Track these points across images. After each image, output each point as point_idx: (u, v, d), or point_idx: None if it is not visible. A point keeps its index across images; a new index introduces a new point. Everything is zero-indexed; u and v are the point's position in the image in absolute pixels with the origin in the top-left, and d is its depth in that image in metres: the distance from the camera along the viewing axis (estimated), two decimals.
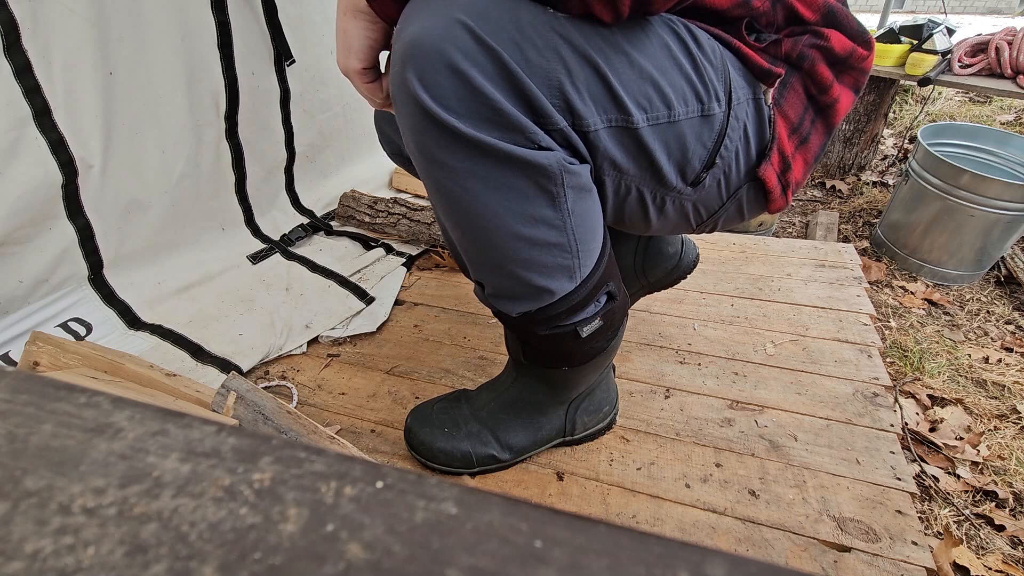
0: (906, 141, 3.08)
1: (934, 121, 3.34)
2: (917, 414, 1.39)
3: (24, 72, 0.86)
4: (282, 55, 1.27)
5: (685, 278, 1.00)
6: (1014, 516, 1.16)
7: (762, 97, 0.65)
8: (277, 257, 1.31)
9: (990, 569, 1.04)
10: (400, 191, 1.66)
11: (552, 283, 0.64)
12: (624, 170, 0.63)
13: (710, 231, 0.80)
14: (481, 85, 0.49)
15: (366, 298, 1.19)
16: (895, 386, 1.45)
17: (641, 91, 0.57)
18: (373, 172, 1.65)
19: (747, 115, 0.65)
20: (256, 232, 1.34)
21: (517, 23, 0.50)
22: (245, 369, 1.01)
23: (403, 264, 1.33)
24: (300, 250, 1.35)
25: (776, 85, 0.66)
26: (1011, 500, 1.19)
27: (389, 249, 1.38)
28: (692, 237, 1.24)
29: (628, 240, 0.98)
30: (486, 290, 0.69)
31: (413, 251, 1.38)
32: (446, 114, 0.50)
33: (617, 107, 0.56)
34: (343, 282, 1.24)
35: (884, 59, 2.36)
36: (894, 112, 3.53)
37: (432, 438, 0.83)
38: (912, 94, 3.74)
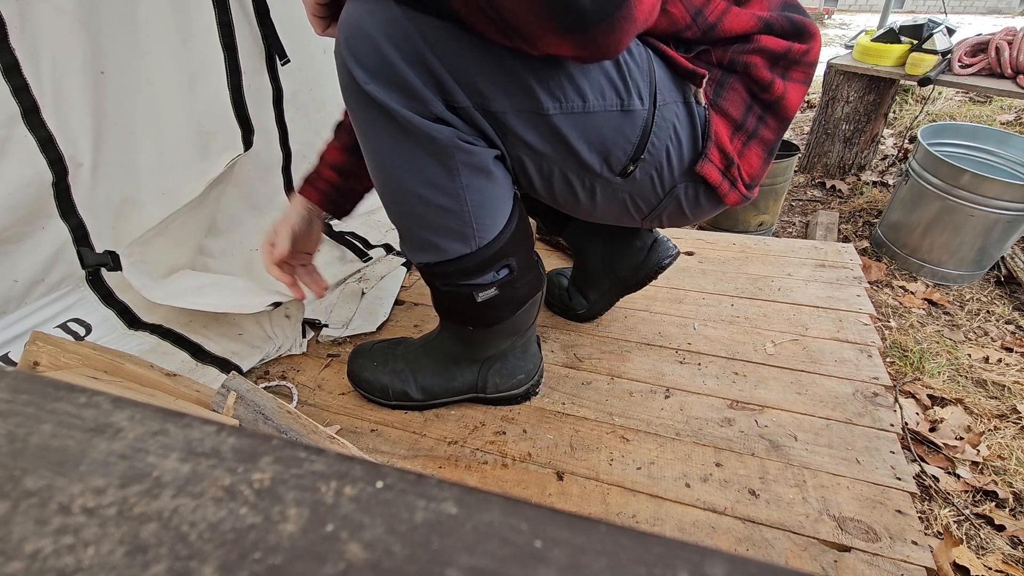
0: (906, 141, 3.08)
1: (934, 121, 3.35)
2: (917, 414, 1.39)
3: (12, 70, 0.86)
4: (275, 54, 1.27)
5: (655, 277, 1.02)
6: (1014, 516, 1.16)
7: (693, 99, 0.69)
8: None
9: (990, 569, 1.04)
10: None
11: (445, 243, 0.72)
12: (541, 152, 0.68)
13: (658, 225, 0.86)
14: (391, 57, 0.58)
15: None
16: (895, 386, 1.45)
17: (555, 83, 0.62)
18: None
19: (676, 116, 0.69)
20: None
21: (440, 15, 0.57)
22: (245, 369, 1.00)
23: (403, 264, 1.33)
24: None
25: (712, 87, 0.70)
26: (1011, 500, 1.19)
27: (389, 249, 1.38)
28: (677, 240, 1.23)
29: (595, 236, 1.02)
30: (399, 235, 0.77)
31: None
32: (363, 75, 0.59)
33: (527, 95, 0.62)
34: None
35: (884, 59, 2.36)
36: (894, 112, 3.53)
37: (361, 368, 0.94)
38: (912, 94, 3.74)
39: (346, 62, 0.60)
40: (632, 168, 0.71)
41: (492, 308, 0.80)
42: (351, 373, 0.95)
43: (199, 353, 1.01)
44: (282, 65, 1.29)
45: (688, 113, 0.70)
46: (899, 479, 0.80)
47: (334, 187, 0.88)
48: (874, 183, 2.70)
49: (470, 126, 0.64)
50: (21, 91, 0.88)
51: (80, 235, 1.01)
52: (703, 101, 0.70)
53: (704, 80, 0.68)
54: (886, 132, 3.23)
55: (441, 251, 0.73)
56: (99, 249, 1.05)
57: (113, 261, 1.05)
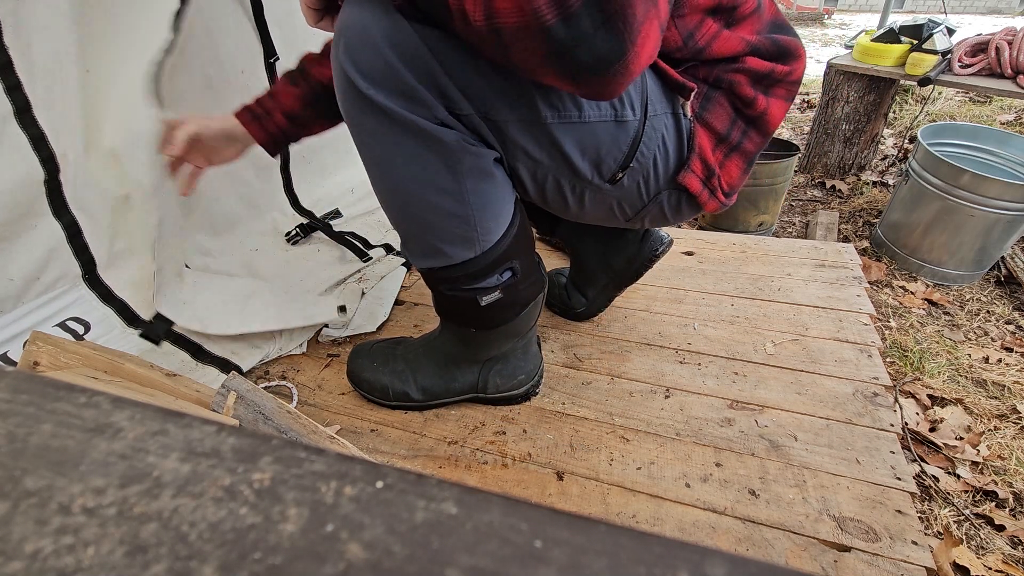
0: (906, 141, 3.08)
1: (934, 121, 3.35)
2: (917, 414, 1.39)
3: (5, 69, 0.86)
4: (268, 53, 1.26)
5: (650, 267, 1.03)
6: (1014, 516, 1.16)
7: (681, 111, 0.72)
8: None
9: (990, 569, 1.04)
10: None
11: (451, 248, 0.72)
12: (538, 160, 0.70)
13: (639, 226, 0.89)
14: (395, 64, 0.58)
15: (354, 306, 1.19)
16: (895, 386, 1.45)
17: (555, 94, 0.64)
18: None
19: (665, 127, 0.72)
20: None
21: (447, 28, 0.56)
22: (245, 369, 1.00)
23: (403, 264, 1.33)
24: (299, 250, 1.35)
25: (699, 100, 0.72)
26: (1011, 500, 1.19)
27: (389, 249, 1.38)
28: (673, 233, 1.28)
29: (588, 235, 1.04)
30: (404, 246, 0.77)
31: None
32: (364, 82, 0.59)
33: (528, 105, 0.64)
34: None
35: (884, 59, 2.36)
36: (894, 112, 3.53)
37: (361, 368, 0.94)
38: (912, 94, 3.75)
39: (345, 69, 0.59)
40: (621, 175, 0.73)
41: (495, 311, 0.81)
42: (351, 373, 0.95)
43: (199, 353, 1.01)
44: (272, 63, 1.28)
45: (676, 125, 0.72)
46: (899, 479, 0.80)
47: (282, 131, 0.86)
48: (874, 183, 2.70)
49: (471, 131, 0.65)
50: (14, 90, 0.88)
51: (73, 233, 1.01)
52: (689, 114, 0.72)
53: (692, 93, 0.70)
54: (886, 132, 3.23)
55: (447, 256, 0.73)
56: (94, 248, 1.05)
57: (166, 323, 1.02)
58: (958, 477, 1.24)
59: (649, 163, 0.73)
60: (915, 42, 2.28)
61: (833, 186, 2.69)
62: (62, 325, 0.99)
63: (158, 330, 0.96)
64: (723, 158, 0.77)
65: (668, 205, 0.81)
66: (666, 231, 1.04)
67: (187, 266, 1.18)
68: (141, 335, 0.91)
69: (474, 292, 0.77)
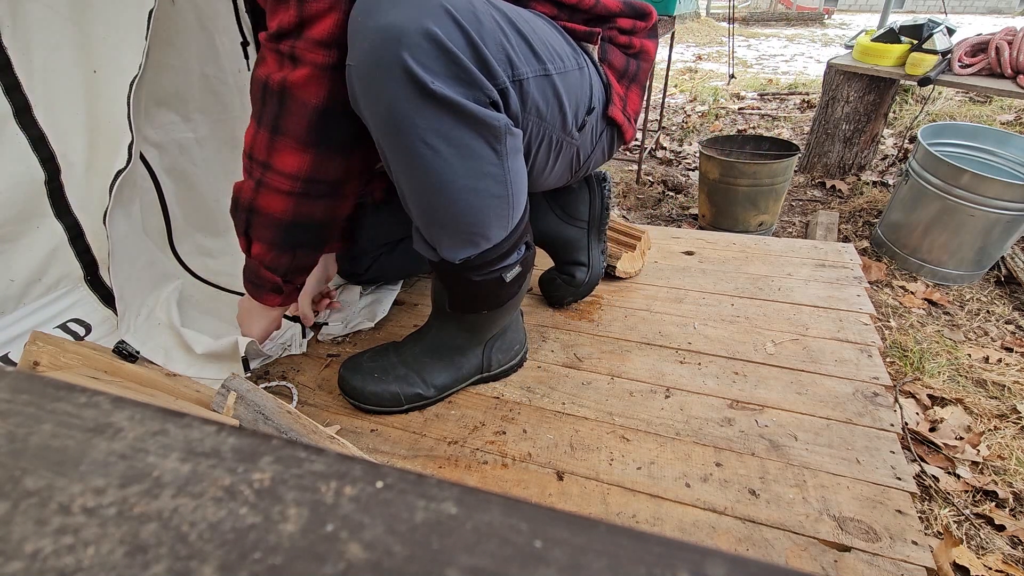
0: (906, 141, 3.08)
1: (934, 121, 3.35)
2: (917, 414, 1.39)
3: (4, 70, 0.86)
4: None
5: (610, 196, 1.14)
6: (1014, 516, 1.16)
7: (593, 56, 0.85)
8: None
9: (990, 569, 1.04)
10: None
11: (491, 231, 0.76)
12: (544, 116, 0.76)
13: (582, 176, 0.99)
14: (448, 45, 0.60)
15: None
16: (895, 386, 1.45)
17: (546, 48, 0.73)
18: None
19: (594, 72, 0.85)
20: None
21: (471, 2, 0.63)
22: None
23: None
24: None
25: (598, 47, 0.85)
26: (1011, 500, 1.19)
27: None
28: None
29: (548, 222, 1.11)
30: (438, 245, 0.79)
31: None
32: (425, 73, 0.60)
33: (537, 59, 0.71)
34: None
35: (884, 59, 2.36)
36: (894, 112, 3.54)
37: (363, 383, 0.92)
38: (912, 94, 3.75)
39: (410, 67, 0.59)
40: (584, 122, 0.83)
41: (515, 285, 0.86)
42: (353, 390, 0.92)
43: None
44: (245, 48, 1.26)
45: (595, 68, 0.85)
46: (899, 479, 0.80)
47: (303, 278, 0.94)
48: (874, 183, 2.70)
49: (507, 107, 0.68)
50: (13, 90, 0.88)
51: (75, 234, 1.01)
52: (596, 58, 0.85)
53: (599, 38, 0.83)
54: (886, 132, 3.23)
55: (487, 240, 0.76)
56: (96, 250, 1.04)
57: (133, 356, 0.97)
58: (958, 477, 1.24)
59: (596, 105, 0.84)
60: (915, 42, 2.28)
61: (833, 186, 2.69)
62: (63, 327, 0.99)
63: (124, 351, 0.91)
64: (626, 90, 0.91)
65: (605, 143, 0.93)
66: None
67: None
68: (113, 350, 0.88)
69: (500, 271, 0.81)
